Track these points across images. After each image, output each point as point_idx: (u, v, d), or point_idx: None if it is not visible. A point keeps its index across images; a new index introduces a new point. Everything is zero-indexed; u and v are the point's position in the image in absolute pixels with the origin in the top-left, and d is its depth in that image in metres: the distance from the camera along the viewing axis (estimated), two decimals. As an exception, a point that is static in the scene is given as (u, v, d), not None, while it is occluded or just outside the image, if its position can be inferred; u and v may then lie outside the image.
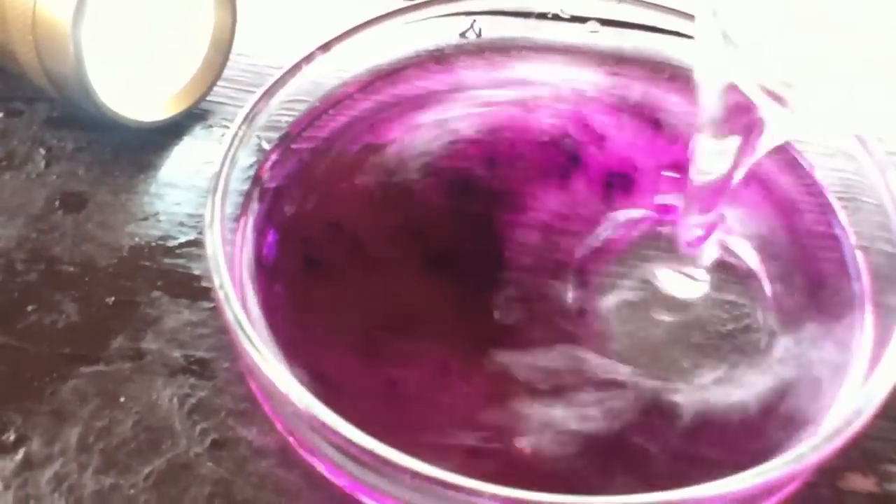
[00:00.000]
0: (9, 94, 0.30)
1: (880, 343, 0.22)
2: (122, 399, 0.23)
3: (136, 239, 0.26)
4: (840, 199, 0.26)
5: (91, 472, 0.21)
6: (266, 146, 0.26)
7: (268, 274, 0.24)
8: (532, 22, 0.31)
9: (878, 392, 0.20)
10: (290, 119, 0.27)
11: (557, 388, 0.22)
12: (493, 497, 0.18)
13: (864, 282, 0.24)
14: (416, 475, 0.18)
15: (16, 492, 0.21)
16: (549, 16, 0.30)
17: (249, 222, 0.25)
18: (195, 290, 0.25)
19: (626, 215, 0.26)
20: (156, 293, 0.25)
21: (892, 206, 0.24)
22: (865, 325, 0.23)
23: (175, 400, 0.22)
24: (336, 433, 0.18)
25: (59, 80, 0.26)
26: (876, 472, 0.22)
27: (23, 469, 0.21)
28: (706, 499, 0.19)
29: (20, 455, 0.22)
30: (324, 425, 0.19)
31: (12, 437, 0.22)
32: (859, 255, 0.25)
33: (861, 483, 0.21)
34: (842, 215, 0.26)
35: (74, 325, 0.24)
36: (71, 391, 0.23)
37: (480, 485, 0.18)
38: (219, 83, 0.30)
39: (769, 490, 0.20)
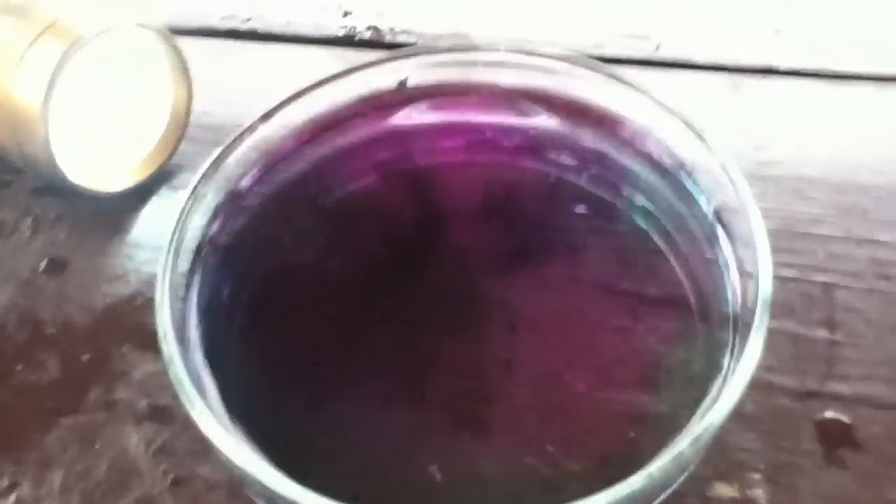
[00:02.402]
0: (-3, 167, 0.34)
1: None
2: (97, 445, 0.26)
3: (108, 299, 0.30)
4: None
5: (73, 509, 0.25)
6: (214, 207, 0.30)
7: (216, 325, 0.28)
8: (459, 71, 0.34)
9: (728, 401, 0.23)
10: (239, 178, 0.31)
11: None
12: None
13: (734, 303, 0.27)
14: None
15: (12, 529, 0.25)
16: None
17: (198, 278, 0.28)
18: (159, 343, 0.28)
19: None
20: (126, 348, 0.28)
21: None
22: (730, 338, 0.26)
23: (141, 444, 0.26)
24: (265, 487, 0.22)
25: (32, 160, 0.30)
26: (740, 480, 0.25)
27: (17, 510, 0.26)
28: None
29: (13, 498, 0.26)
30: (254, 480, 0.22)
31: (6, 482, 0.26)
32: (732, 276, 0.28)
33: (726, 490, 0.25)
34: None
35: (56, 381, 0.28)
36: (54, 440, 0.27)
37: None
38: (183, 144, 0.33)
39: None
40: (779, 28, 0.38)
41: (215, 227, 0.30)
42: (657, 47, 0.37)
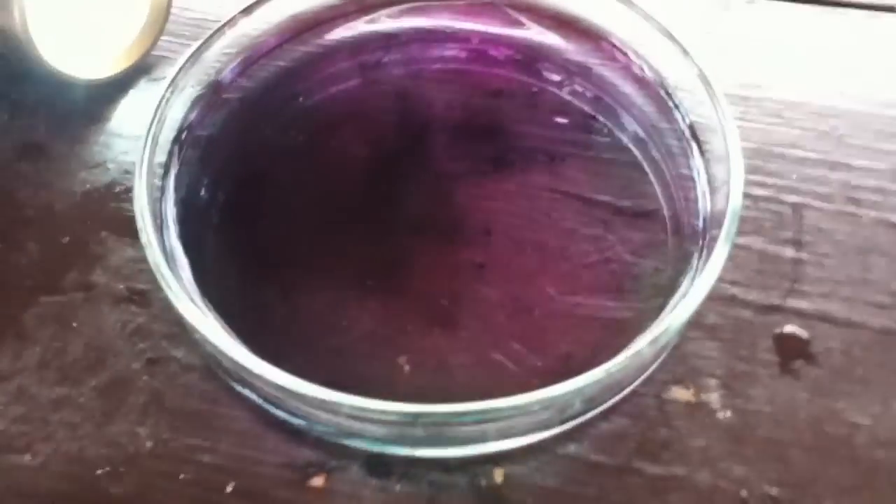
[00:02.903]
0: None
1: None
2: (74, 324, 0.27)
3: (87, 185, 0.30)
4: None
5: (48, 384, 0.26)
6: (194, 98, 0.30)
7: (192, 214, 0.28)
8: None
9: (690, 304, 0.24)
10: (220, 71, 0.31)
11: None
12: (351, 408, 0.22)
13: (704, 217, 0.28)
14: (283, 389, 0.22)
15: (-12, 400, 0.26)
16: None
17: (175, 168, 0.29)
18: (137, 230, 0.29)
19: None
20: (104, 233, 0.29)
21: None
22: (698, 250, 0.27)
23: (118, 325, 0.27)
24: (228, 358, 0.23)
25: (10, 40, 0.29)
26: (696, 385, 0.26)
27: (-6, 382, 0.26)
28: (559, 397, 0.22)
29: (-10, 371, 0.26)
30: (227, 359, 0.23)
31: (-16, 356, 0.27)
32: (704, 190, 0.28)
33: (681, 394, 0.26)
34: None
35: (35, 262, 0.28)
36: (32, 317, 0.27)
37: (338, 395, 0.22)
38: (163, 38, 0.33)
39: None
40: (772, -49, 0.38)
41: (194, 118, 0.30)
42: (649, -36, 0.37)
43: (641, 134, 0.31)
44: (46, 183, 0.30)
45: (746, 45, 0.34)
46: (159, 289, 0.27)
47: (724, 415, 0.25)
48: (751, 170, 0.30)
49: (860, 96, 0.33)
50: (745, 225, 0.29)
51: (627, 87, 0.31)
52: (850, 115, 0.32)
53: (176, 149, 0.29)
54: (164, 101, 0.28)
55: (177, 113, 0.29)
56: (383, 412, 0.22)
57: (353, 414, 0.23)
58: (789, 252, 0.28)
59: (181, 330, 0.27)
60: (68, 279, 0.28)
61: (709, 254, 0.26)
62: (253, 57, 0.31)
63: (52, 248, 0.29)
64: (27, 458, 0.25)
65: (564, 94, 0.32)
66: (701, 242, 0.27)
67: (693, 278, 0.26)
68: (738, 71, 0.33)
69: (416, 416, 0.22)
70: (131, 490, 0.24)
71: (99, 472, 0.24)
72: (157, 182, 0.27)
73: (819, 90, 0.33)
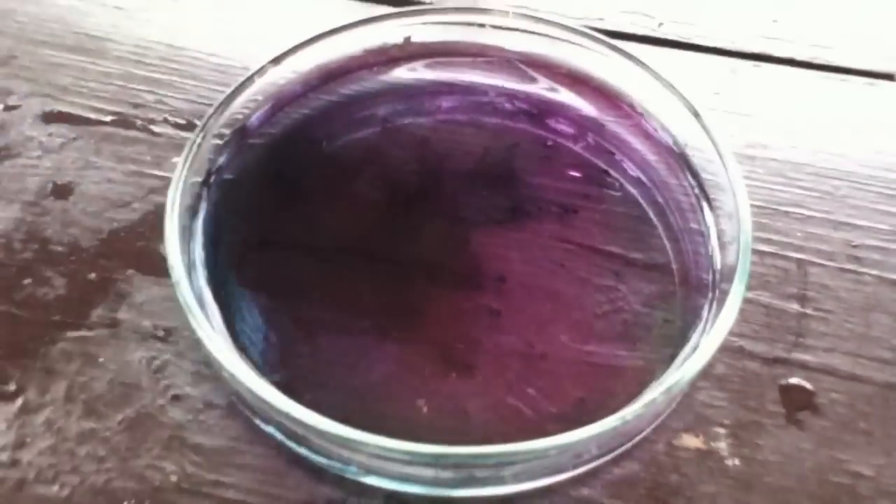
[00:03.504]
0: (7, 90, 0.34)
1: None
2: (100, 359, 0.28)
3: (114, 224, 0.31)
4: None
5: (75, 417, 0.27)
6: (222, 143, 0.31)
7: (219, 258, 0.29)
8: (467, 32, 0.35)
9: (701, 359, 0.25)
10: (248, 117, 0.32)
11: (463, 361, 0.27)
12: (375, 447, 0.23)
13: (714, 272, 0.29)
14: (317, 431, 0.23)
15: (17, 431, 0.26)
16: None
17: (203, 211, 0.29)
18: (162, 268, 0.29)
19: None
20: (130, 271, 0.30)
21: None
22: (707, 303, 0.28)
23: (144, 361, 0.28)
24: (263, 401, 0.23)
25: None
26: (705, 433, 0.27)
27: (21, 413, 0.27)
28: (575, 442, 0.23)
29: (19, 402, 0.27)
30: (253, 395, 0.24)
31: (13, 387, 0.27)
32: (714, 246, 0.29)
33: (692, 441, 0.27)
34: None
35: (62, 297, 0.29)
36: (59, 352, 0.28)
37: (360, 434, 0.23)
38: (189, 82, 0.34)
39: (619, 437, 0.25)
40: (776, 17, 0.39)
41: (222, 160, 0.31)
42: (659, 25, 0.39)
43: (652, 189, 0.32)
44: (74, 220, 0.31)
45: (753, 107, 0.35)
46: (185, 327, 0.28)
47: (733, 462, 0.26)
48: (757, 227, 0.31)
49: (860, 159, 0.34)
50: (752, 280, 0.30)
51: (639, 144, 0.33)
52: (851, 176, 0.33)
53: (204, 191, 0.30)
54: (195, 144, 0.29)
55: (206, 155, 0.30)
56: (405, 452, 0.23)
57: (374, 453, 0.24)
58: (794, 307, 0.29)
59: (206, 367, 0.27)
60: (94, 315, 0.29)
61: (718, 307, 0.27)
62: (279, 104, 0.33)
63: (79, 284, 0.29)
64: (55, 489, 0.25)
65: (578, 148, 0.33)
66: (710, 295, 0.28)
67: (703, 330, 0.27)
68: (744, 131, 0.34)
69: (437, 457, 0.23)
70: (155, 523, 0.25)
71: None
72: (186, 222, 0.28)
73: (821, 152, 0.34)
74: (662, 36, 0.38)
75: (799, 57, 0.38)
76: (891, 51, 0.38)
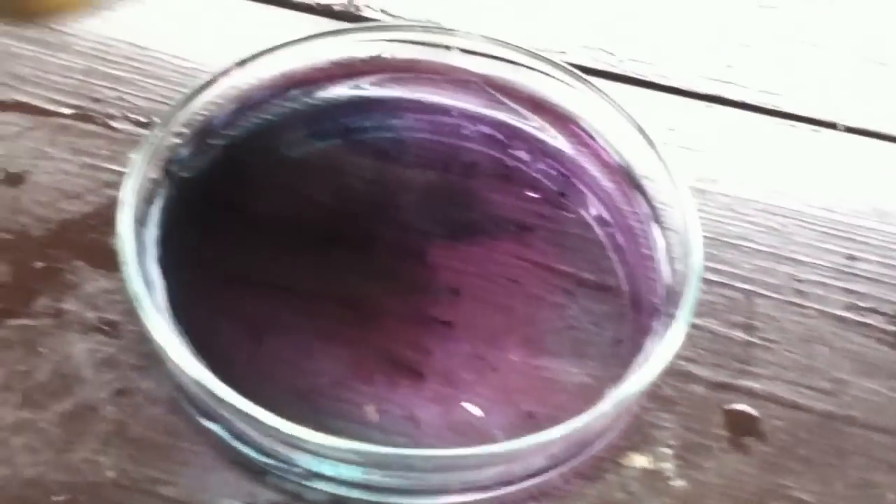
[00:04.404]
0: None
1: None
2: (41, 350, 0.27)
3: (64, 215, 0.30)
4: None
5: (11, 406, 0.26)
6: (180, 141, 0.30)
7: (170, 249, 0.28)
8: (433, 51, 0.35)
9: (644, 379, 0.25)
10: (210, 117, 0.32)
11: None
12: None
13: (663, 296, 0.29)
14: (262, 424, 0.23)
15: (-54, 419, 0.25)
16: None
17: (159, 205, 0.29)
18: (112, 262, 0.29)
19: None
20: (79, 262, 0.29)
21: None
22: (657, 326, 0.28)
23: (86, 353, 0.27)
24: (208, 392, 0.23)
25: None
26: (653, 453, 0.27)
27: (-48, 401, 0.26)
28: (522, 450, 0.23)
29: (-49, 389, 0.26)
30: (193, 382, 0.23)
31: (-55, 373, 0.26)
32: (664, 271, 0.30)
33: (639, 460, 0.27)
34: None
35: (6, 284, 0.28)
36: (-2, 340, 0.27)
37: (307, 431, 0.22)
38: (151, 81, 0.34)
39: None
40: (731, 63, 0.41)
41: (180, 157, 0.30)
42: (617, 62, 0.40)
43: (605, 215, 0.32)
44: (24, 209, 0.30)
45: (704, 144, 0.36)
46: (130, 321, 0.27)
47: (678, 483, 0.26)
48: (706, 257, 0.31)
49: (805, 199, 0.35)
50: (700, 307, 0.30)
51: (595, 171, 0.33)
52: (796, 214, 0.34)
53: (160, 187, 0.29)
54: (154, 138, 0.28)
55: (164, 153, 0.29)
56: (350, 451, 0.23)
57: (319, 451, 0.23)
58: (740, 335, 0.30)
59: (150, 362, 0.27)
60: (38, 304, 0.28)
61: (667, 330, 0.27)
62: (242, 108, 0.32)
63: (24, 272, 0.29)
64: (-18, 479, 0.24)
65: (536, 170, 0.33)
66: (659, 319, 0.29)
67: (652, 352, 0.28)
68: (695, 166, 0.35)
69: (382, 456, 0.23)
70: (88, 518, 0.24)
71: (56, 498, 0.24)
72: (141, 214, 0.28)
73: (768, 190, 0.35)
74: (621, 72, 0.39)
75: (750, 101, 0.39)
76: (836, 102, 0.39)
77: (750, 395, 0.29)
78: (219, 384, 0.23)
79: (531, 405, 0.27)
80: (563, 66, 0.33)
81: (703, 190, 0.35)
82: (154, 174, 0.29)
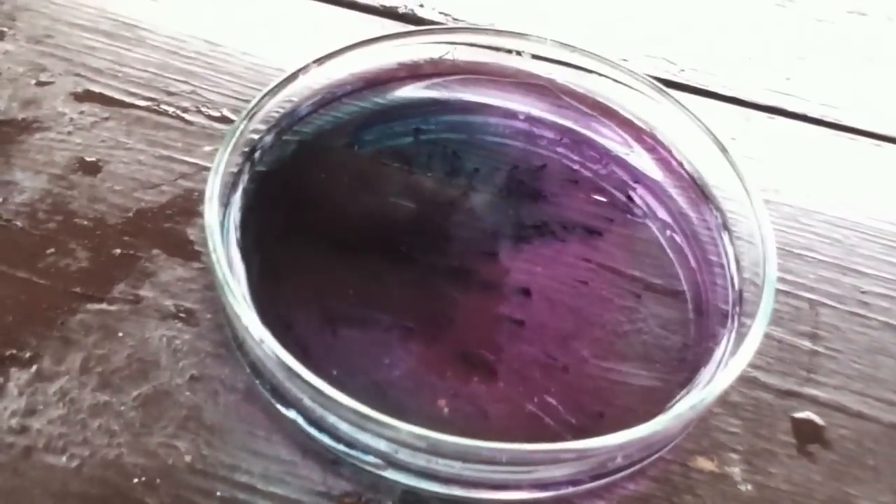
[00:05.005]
0: (41, 66, 0.34)
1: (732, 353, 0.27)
2: (119, 334, 0.27)
3: (142, 204, 0.31)
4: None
5: (90, 389, 0.26)
6: (258, 136, 0.31)
7: (249, 240, 0.29)
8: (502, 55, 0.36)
9: (717, 388, 0.25)
10: (284, 114, 0.32)
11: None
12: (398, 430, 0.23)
13: (733, 303, 0.29)
14: (351, 410, 0.23)
15: (28, 398, 0.26)
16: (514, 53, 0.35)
17: (239, 198, 0.30)
18: (189, 251, 0.29)
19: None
20: (155, 250, 0.29)
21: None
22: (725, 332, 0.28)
23: (164, 340, 0.27)
24: (285, 370, 0.23)
25: None
26: (719, 458, 0.27)
27: (34, 381, 0.26)
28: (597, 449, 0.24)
29: (33, 369, 0.26)
30: (278, 364, 0.24)
31: (28, 354, 0.27)
32: (733, 279, 0.30)
33: (706, 464, 0.27)
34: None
35: (85, 269, 0.29)
36: (78, 323, 0.27)
37: (394, 421, 0.23)
38: (224, 77, 0.35)
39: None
40: (790, 76, 0.41)
41: (258, 153, 0.31)
42: (678, 71, 0.40)
43: (673, 221, 0.32)
44: (101, 197, 0.31)
45: (767, 154, 0.36)
46: (207, 309, 0.28)
47: (746, 488, 0.26)
48: (771, 265, 0.32)
49: (867, 212, 0.35)
50: (767, 315, 0.30)
51: (663, 177, 0.33)
52: (859, 227, 0.34)
53: (239, 179, 0.30)
54: (236, 131, 0.29)
55: (244, 146, 0.30)
56: (425, 438, 0.23)
57: (396, 438, 0.23)
58: (806, 344, 0.30)
59: (226, 350, 0.27)
60: (116, 290, 0.28)
61: (737, 337, 0.27)
62: (316, 105, 0.33)
63: (103, 258, 0.29)
64: (63, 459, 0.25)
65: (603, 174, 0.34)
66: (728, 325, 0.29)
67: (720, 358, 0.28)
68: (758, 176, 0.35)
69: (458, 446, 0.23)
70: (167, 501, 0.24)
71: (135, 480, 0.24)
72: (221, 208, 0.28)
73: (831, 201, 0.35)
74: (682, 81, 0.40)
75: (811, 113, 0.39)
76: (893, 117, 0.39)
77: (815, 403, 0.29)
78: (302, 367, 0.24)
79: (600, 406, 0.27)
80: (634, 73, 0.33)
81: (767, 200, 0.34)
82: (234, 167, 0.30)
